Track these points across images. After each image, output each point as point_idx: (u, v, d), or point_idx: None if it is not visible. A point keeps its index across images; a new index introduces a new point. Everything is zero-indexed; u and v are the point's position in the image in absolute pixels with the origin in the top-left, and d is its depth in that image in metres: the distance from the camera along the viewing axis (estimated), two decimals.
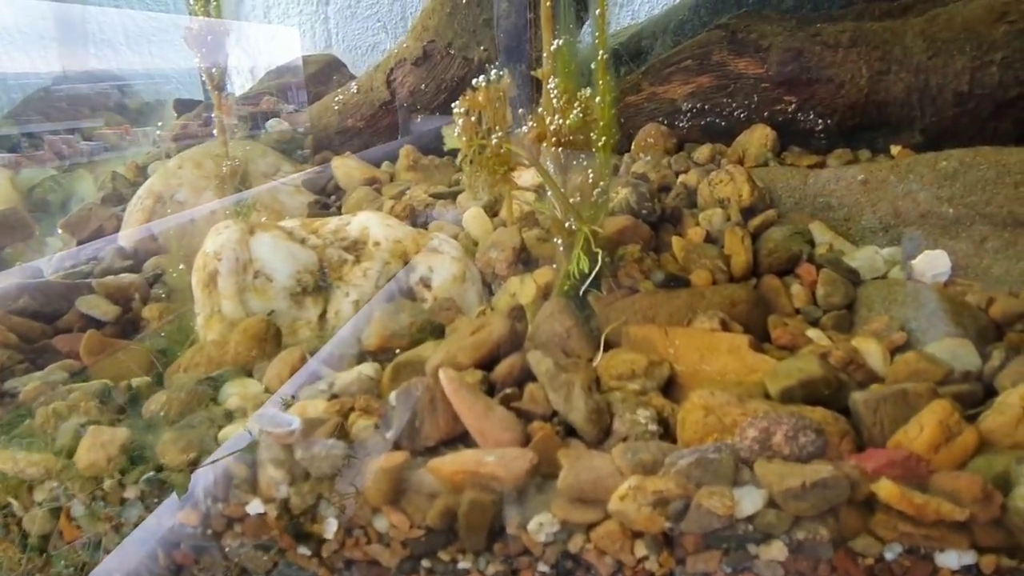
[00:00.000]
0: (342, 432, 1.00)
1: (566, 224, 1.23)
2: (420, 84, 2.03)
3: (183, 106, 2.74)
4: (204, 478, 0.97)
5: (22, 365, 1.31)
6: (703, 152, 1.71)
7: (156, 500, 0.97)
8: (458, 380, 1.02)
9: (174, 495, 0.96)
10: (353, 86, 2.26)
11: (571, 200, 1.22)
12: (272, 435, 0.93)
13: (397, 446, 1.01)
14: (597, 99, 1.19)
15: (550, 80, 1.24)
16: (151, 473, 0.96)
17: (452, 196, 1.72)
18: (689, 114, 1.79)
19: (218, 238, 1.38)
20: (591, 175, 1.21)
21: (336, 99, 2.28)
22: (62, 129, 2.38)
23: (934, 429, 0.89)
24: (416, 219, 1.70)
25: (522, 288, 1.42)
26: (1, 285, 1.47)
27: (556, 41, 1.24)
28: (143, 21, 3.96)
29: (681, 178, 1.61)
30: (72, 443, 1.00)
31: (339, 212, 1.98)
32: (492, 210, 1.64)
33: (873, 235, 1.43)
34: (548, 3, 1.25)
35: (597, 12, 1.18)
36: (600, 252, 1.20)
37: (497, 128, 1.18)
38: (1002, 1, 1.53)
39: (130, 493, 0.98)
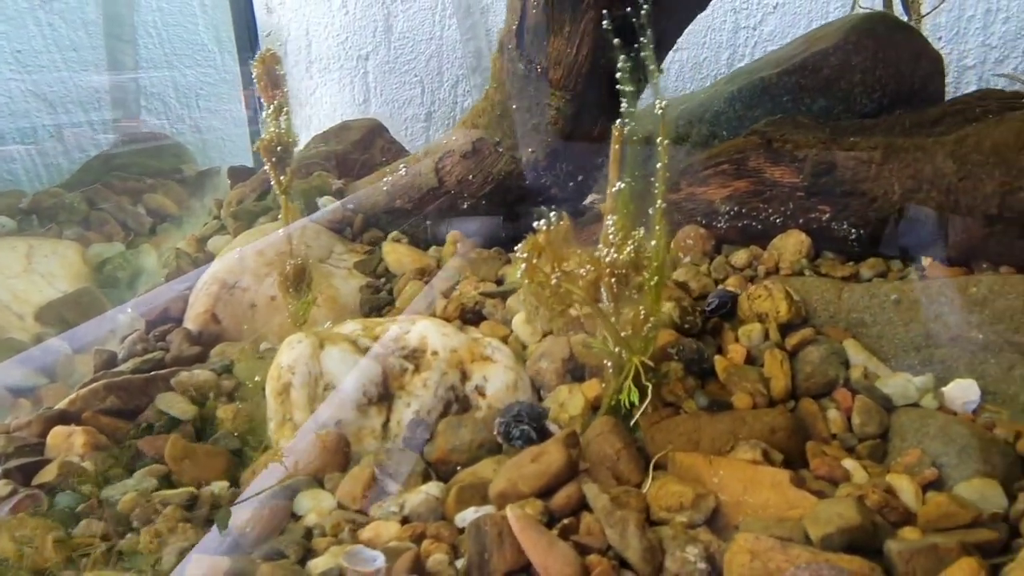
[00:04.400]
0: (418, 564, 1.10)
1: (617, 352, 1.33)
2: (468, 175, 2.14)
3: (237, 174, 2.88)
4: None
5: (116, 470, 1.42)
6: (741, 256, 1.80)
7: None
8: (524, 518, 1.12)
9: None
10: (401, 168, 2.38)
11: (622, 333, 1.32)
12: (359, 573, 1.03)
13: None
14: (652, 242, 1.29)
15: (609, 217, 1.34)
16: None
17: (501, 296, 1.82)
18: (727, 216, 1.88)
19: (291, 352, 1.49)
20: (642, 310, 1.31)
21: (385, 179, 2.40)
22: (127, 201, 2.52)
23: None
24: (466, 317, 1.80)
25: (571, 399, 1.52)
26: (91, 386, 1.59)
27: (618, 184, 1.34)
28: (192, 76, 4.15)
29: (720, 287, 1.70)
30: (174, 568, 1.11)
31: (390, 295, 2.10)
32: None
33: (905, 354, 1.51)
34: (617, 146, 1.35)
35: (659, 165, 1.27)
36: (649, 386, 1.29)
37: (556, 268, 1.28)
38: None
39: None
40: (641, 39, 1.29)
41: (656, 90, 1.34)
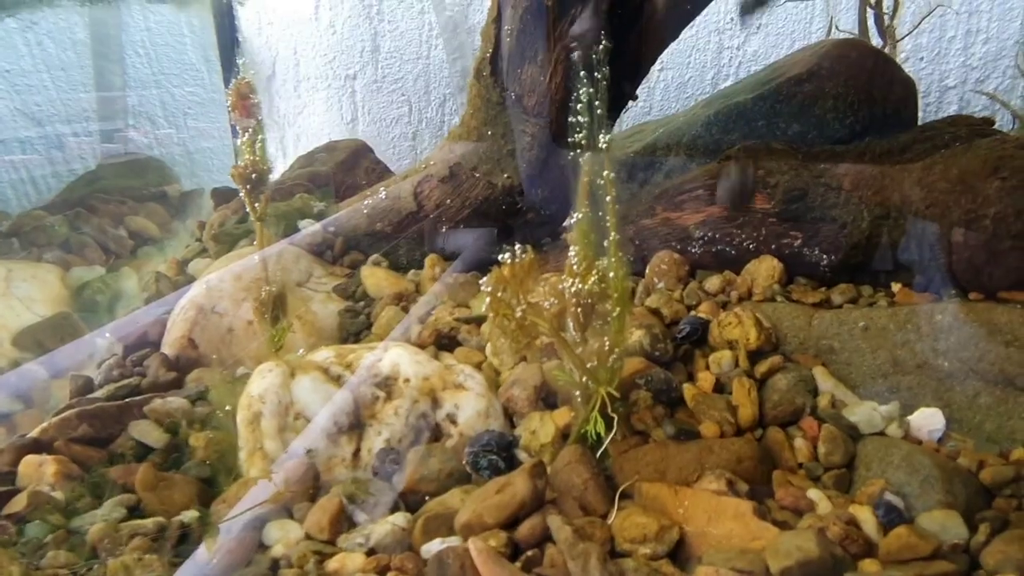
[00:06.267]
0: None
1: (584, 382, 1.34)
2: (446, 199, 2.15)
3: (221, 196, 2.89)
4: None
5: (84, 500, 1.42)
6: (713, 282, 1.81)
7: None
8: (486, 551, 1.12)
9: None
10: (382, 192, 2.39)
11: (588, 364, 1.33)
12: None
13: None
14: (611, 274, 1.30)
15: (572, 247, 1.36)
16: None
17: (477, 321, 1.82)
18: (701, 241, 1.90)
19: (262, 381, 1.50)
20: (607, 341, 1.32)
21: (366, 203, 2.41)
22: (109, 224, 2.52)
23: None
24: (441, 343, 1.81)
25: (542, 426, 1.52)
26: (64, 414, 1.59)
27: (576, 214, 1.35)
28: (180, 96, 4.17)
29: (693, 313, 1.71)
30: None
31: (368, 320, 2.10)
32: None
33: (873, 381, 1.52)
34: (586, 179, 1.36)
35: (608, 199, 1.29)
36: (616, 416, 1.30)
37: (522, 301, 1.29)
38: (996, 156, 1.63)
39: None
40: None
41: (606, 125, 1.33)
